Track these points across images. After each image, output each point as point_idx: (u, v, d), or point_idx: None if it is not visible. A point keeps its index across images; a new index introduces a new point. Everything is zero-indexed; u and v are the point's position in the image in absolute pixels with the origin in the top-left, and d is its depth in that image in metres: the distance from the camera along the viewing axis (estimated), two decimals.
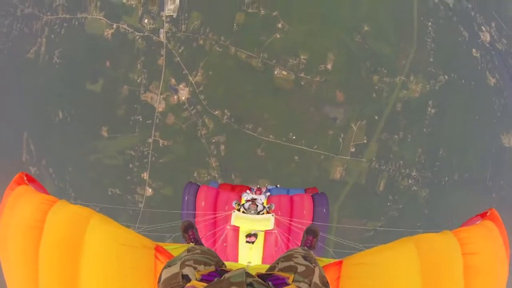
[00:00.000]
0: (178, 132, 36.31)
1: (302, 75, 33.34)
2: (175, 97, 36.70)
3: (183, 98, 36.36)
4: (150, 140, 38.00)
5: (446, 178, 35.62)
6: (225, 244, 6.20)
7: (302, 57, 33.71)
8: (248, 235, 5.81)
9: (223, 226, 6.24)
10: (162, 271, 2.60)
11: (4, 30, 48.44)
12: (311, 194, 6.81)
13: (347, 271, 3.39)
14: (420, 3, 40.24)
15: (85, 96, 41.48)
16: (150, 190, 36.34)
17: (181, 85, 36.41)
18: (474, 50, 43.52)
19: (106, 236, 3.34)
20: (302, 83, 33.53)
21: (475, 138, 38.90)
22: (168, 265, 2.62)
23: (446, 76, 41.23)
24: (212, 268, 2.59)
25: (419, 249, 3.21)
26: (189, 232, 5.21)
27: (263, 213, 6.04)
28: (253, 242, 5.76)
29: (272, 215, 5.92)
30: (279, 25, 33.72)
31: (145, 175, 36.68)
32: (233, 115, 32.83)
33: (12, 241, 3.31)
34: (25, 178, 3.83)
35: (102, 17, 41.93)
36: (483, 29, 45.68)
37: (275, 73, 33.31)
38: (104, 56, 41.50)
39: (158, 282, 2.55)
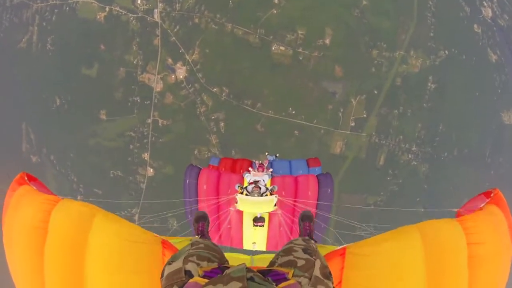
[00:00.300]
0: (177, 111, 35.81)
1: (300, 50, 32.53)
2: (173, 76, 36.03)
3: (181, 77, 35.68)
4: (149, 121, 37.59)
5: (446, 154, 35.23)
6: (229, 226, 6.15)
7: (299, 32, 32.83)
8: (255, 219, 5.82)
9: (226, 210, 6.12)
10: (165, 266, 2.59)
11: None
12: (316, 175, 6.73)
13: (350, 262, 3.34)
14: None
15: (81, 81, 40.84)
16: (151, 170, 36.16)
17: (178, 64, 35.68)
18: (475, 26, 42.31)
19: (111, 233, 3.28)
20: (300, 58, 32.75)
21: (475, 115, 38.31)
22: (172, 261, 2.60)
23: (446, 51, 40.28)
24: (215, 265, 2.57)
25: (424, 238, 3.14)
26: (199, 223, 5.08)
27: (266, 195, 5.89)
28: (262, 226, 5.82)
29: (276, 197, 5.80)
30: (276, 1, 32.65)
31: (146, 156, 36.43)
32: (232, 91, 32.23)
33: (17, 243, 3.33)
34: (26, 178, 3.77)
35: (93, 1, 40.76)
36: (485, 4, 44.27)
37: (273, 48, 32.50)
38: (98, 40, 40.60)
39: (161, 277, 2.54)
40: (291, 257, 2.70)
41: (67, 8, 42.37)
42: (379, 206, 29.23)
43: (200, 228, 5.01)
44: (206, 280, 2.08)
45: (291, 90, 32.17)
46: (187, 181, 6.82)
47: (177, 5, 35.26)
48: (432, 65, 39.07)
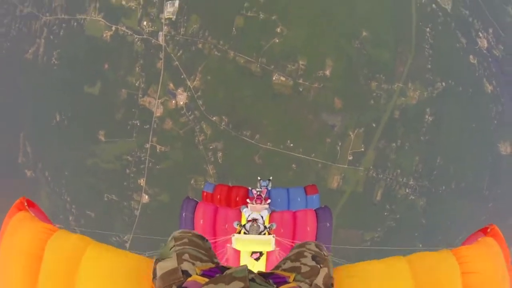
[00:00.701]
0: (175, 138, 35.38)
1: (300, 81, 32.47)
2: (173, 101, 35.81)
3: (181, 103, 35.46)
4: (148, 146, 37.04)
5: (443, 187, 34.80)
6: (226, 257, 6.20)
7: (300, 62, 32.87)
8: (253, 252, 5.92)
9: (223, 248, 6.16)
10: (155, 265, 2.58)
11: (2, 30, 47.52)
12: (314, 209, 6.72)
13: (338, 283, 3.26)
14: (419, 9, 39.45)
15: (83, 98, 40.53)
16: (146, 197, 35.30)
17: (179, 90, 35.48)
18: (471, 57, 42.75)
19: (103, 262, 3.31)
20: (301, 89, 32.65)
21: (472, 146, 38.12)
22: (161, 258, 2.60)
23: (443, 83, 40.48)
24: (212, 265, 2.60)
25: (412, 267, 3.12)
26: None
27: (264, 233, 5.88)
28: (258, 258, 5.87)
29: (273, 236, 5.76)
30: (278, 30, 32.84)
31: (142, 181, 35.64)
32: (231, 121, 31.92)
33: (11, 268, 3.38)
34: (25, 204, 3.88)
35: (101, 19, 40.91)
36: (481, 35, 44.88)
37: (274, 78, 32.41)
38: (102, 58, 40.53)
39: (154, 277, 2.53)
40: (297, 263, 2.74)
41: (75, 24, 42.51)
42: (376, 242, 28.55)
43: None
44: (206, 279, 2.09)
45: (290, 121, 31.98)
46: (183, 214, 6.81)
47: (181, 29, 35.37)
48: (430, 97, 39.16)
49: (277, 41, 32.44)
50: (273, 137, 31.64)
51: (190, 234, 3.19)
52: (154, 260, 2.91)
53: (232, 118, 33.31)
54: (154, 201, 34.34)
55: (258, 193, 7.70)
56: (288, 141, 31.64)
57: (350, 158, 32.23)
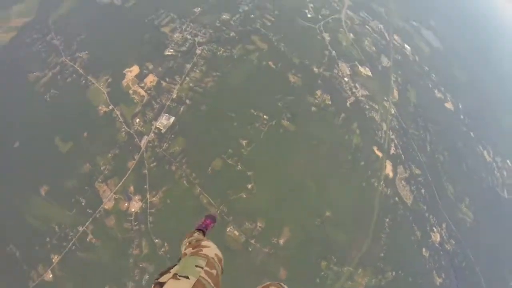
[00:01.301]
0: (111, 238, 32.52)
1: (253, 241, 31.48)
2: (126, 204, 33.81)
3: (133, 210, 33.61)
4: (80, 229, 33.51)
5: None
6: None
7: (259, 224, 32.55)
8: None
9: None
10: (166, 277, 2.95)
11: (28, 40, 48.51)
12: None
13: None
14: (382, 200, 42.13)
15: (48, 146, 38.63)
16: (51, 275, 30.11)
17: (137, 197, 34.00)
18: (424, 249, 44.21)
19: None
20: (250, 249, 31.39)
21: None
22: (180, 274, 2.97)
23: (394, 273, 40.41)
24: None
25: None
26: (208, 219, 5.82)
27: None
28: None
29: None
30: (249, 186, 33.53)
31: (55, 258, 31.00)
32: (171, 251, 29.47)
33: None
34: None
35: (105, 92, 41.94)
36: (435, 229, 47.57)
37: (228, 230, 31.41)
38: (87, 125, 39.97)
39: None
40: None
41: (83, 81, 43.20)
42: None
43: (204, 224, 5.77)
44: None
45: (230, 277, 29.65)
46: None
47: (164, 144, 35.77)
48: (378, 285, 38.25)
49: (244, 196, 32.71)
50: None
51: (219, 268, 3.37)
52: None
53: (173, 248, 30.95)
54: (56, 284, 28.97)
55: None
56: None
57: None
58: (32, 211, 35.21)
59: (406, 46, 60.34)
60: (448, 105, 57.33)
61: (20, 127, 40.07)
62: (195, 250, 4.90)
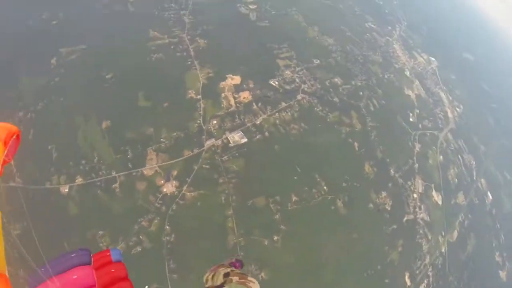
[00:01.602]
0: (132, 198, 35.11)
1: None
2: (162, 181, 37.96)
3: (165, 190, 37.96)
4: (113, 174, 36.42)
5: None
6: None
7: (263, 274, 34.26)
8: None
9: None
10: None
11: (165, 4, 55.35)
12: None
13: None
14: None
15: (130, 95, 42.18)
16: (66, 190, 33.51)
17: (174, 182, 37.48)
18: None
19: None
20: None
21: None
22: None
23: None
24: None
25: None
26: (237, 264, 6.44)
27: None
28: None
29: None
30: (275, 238, 35.21)
31: (78, 180, 34.83)
32: (173, 243, 31.87)
33: None
34: None
35: (201, 82, 45.40)
36: None
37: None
38: (171, 99, 43.04)
39: None
40: None
41: (189, 63, 47.75)
42: None
43: (234, 264, 6.35)
44: None
45: None
46: (72, 255, 7.03)
47: (225, 157, 36.76)
48: None
49: (266, 243, 34.76)
50: None
51: None
52: None
53: (176, 243, 31.38)
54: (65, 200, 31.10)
55: None
56: None
57: None
58: (86, 133, 39.39)
59: (489, 194, 55.77)
60: (503, 274, 49.97)
61: (117, 64, 44.29)
62: (242, 280, 5.66)
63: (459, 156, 57.06)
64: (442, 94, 64.80)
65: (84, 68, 43.29)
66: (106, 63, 44.41)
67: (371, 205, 40.69)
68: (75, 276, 7.02)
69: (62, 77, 42.40)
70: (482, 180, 58.76)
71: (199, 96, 43.47)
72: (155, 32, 50.17)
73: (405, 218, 42.82)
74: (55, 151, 36.81)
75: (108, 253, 8.44)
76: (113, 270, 8.42)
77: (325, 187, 38.31)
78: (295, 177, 37.88)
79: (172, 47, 48.87)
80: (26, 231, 30.76)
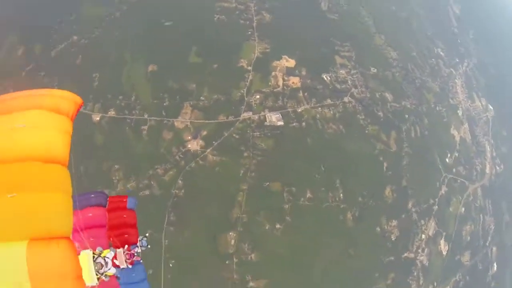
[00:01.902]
0: (155, 144, 36.66)
1: (236, 259, 33.07)
2: (189, 137, 39.10)
3: (189, 146, 39.01)
4: (145, 116, 37.96)
5: None
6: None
7: (253, 255, 35.09)
8: None
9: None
10: None
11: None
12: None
13: None
14: None
15: (184, 46, 42.90)
16: (98, 118, 36.36)
17: (201, 142, 37.92)
18: None
19: None
20: (227, 262, 32.55)
21: None
22: None
23: None
24: None
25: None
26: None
27: (97, 276, 7.39)
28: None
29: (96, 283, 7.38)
30: (278, 225, 35.82)
31: (111, 113, 36.75)
32: (181, 196, 33.28)
33: None
34: None
35: (255, 55, 45.26)
36: None
37: (229, 234, 33.71)
38: (221, 61, 43.49)
39: None
40: None
41: (249, 34, 47.63)
42: None
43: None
44: None
45: None
46: (92, 196, 8.51)
47: (257, 133, 37.49)
48: None
49: (267, 227, 34.73)
50: None
51: None
52: None
53: (183, 193, 33.70)
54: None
55: (135, 253, 8.85)
56: None
57: None
58: (131, 71, 41.07)
59: (495, 265, 54.26)
60: None
61: (179, 15, 44.49)
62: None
63: (481, 215, 54.91)
64: (488, 147, 61.53)
65: (146, 10, 44.40)
66: (169, 11, 45.25)
67: (378, 229, 40.46)
68: (90, 214, 8.26)
69: (123, 13, 43.83)
70: (494, 249, 56.64)
71: (249, 68, 43.65)
72: None
73: (405, 254, 42.57)
74: (97, 80, 38.69)
75: (125, 200, 9.72)
76: (125, 216, 9.48)
77: (341, 195, 38.35)
78: (317, 175, 38.06)
79: (237, 12, 48.72)
80: None
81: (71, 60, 38.83)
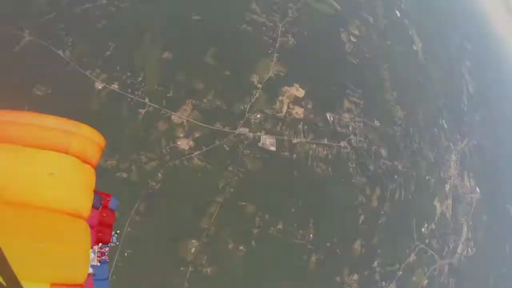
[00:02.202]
0: (148, 132, 36.59)
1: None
2: (181, 134, 38.89)
3: (179, 143, 38.39)
4: (145, 100, 37.72)
5: None
6: None
7: (209, 270, 33.95)
8: None
9: None
10: None
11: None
12: None
13: None
14: None
15: (201, 46, 43.29)
16: (100, 87, 35.84)
17: (191, 142, 37.60)
18: None
19: None
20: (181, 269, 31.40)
21: None
22: None
23: None
24: None
25: None
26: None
27: None
28: None
29: None
30: (241, 247, 34.75)
31: (115, 86, 36.29)
32: (159, 186, 32.88)
33: None
34: None
35: (269, 75, 46.23)
36: None
37: (192, 242, 32.26)
38: (234, 71, 44.05)
39: None
40: None
41: (270, 51, 48.64)
42: None
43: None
44: None
45: None
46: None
47: (246, 151, 37.54)
48: None
49: (230, 247, 34.83)
50: None
51: None
52: None
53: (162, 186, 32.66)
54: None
55: (106, 252, 9.18)
56: None
57: None
58: (146, 52, 40.67)
59: None
60: None
61: (209, 13, 44.98)
62: None
63: None
64: (465, 227, 62.71)
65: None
66: (200, 6, 46.30)
67: (338, 278, 40.51)
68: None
69: None
70: None
71: (259, 85, 44.45)
72: (257, 7, 51.52)
73: None
74: (111, 50, 38.75)
75: (108, 199, 9.65)
76: (104, 215, 9.51)
77: (311, 235, 38.59)
78: (293, 209, 38.46)
79: (263, 28, 49.94)
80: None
81: (93, 22, 38.94)
